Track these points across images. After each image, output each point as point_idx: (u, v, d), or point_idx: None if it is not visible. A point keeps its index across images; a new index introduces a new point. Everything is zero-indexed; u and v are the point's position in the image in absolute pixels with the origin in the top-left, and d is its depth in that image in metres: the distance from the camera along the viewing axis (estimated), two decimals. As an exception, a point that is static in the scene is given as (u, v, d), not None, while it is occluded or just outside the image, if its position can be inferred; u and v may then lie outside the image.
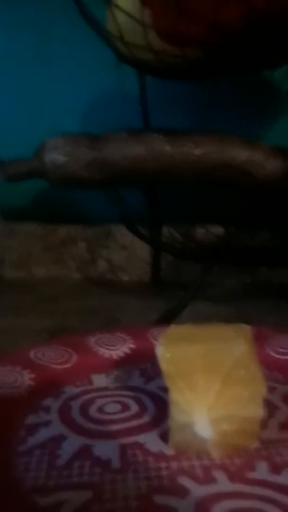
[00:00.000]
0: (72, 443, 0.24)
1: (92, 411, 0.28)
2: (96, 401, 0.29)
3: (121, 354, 0.35)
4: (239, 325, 0.26)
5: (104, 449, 0.24)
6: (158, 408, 0.28)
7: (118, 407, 0.28)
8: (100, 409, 0.28)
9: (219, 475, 0.22)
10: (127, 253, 0.67)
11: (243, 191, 0.48)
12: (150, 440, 0.25)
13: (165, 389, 0.30)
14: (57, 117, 0.66)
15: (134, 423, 0.26)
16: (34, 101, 0.67)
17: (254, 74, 0.59)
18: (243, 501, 0.20)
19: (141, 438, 0.25)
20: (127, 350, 0.36)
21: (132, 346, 0.36)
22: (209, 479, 0.21)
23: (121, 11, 0.40)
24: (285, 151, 0.47)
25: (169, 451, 0.24)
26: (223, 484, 0.21)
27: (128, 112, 0.61)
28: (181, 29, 0.37)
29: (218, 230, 0.56)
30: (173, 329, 0.26)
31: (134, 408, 0.28)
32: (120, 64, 0.47)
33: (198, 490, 0.21)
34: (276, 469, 0.22)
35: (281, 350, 0.34)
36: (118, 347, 0.36)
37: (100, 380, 0.32)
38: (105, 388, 0.31)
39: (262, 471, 0.22)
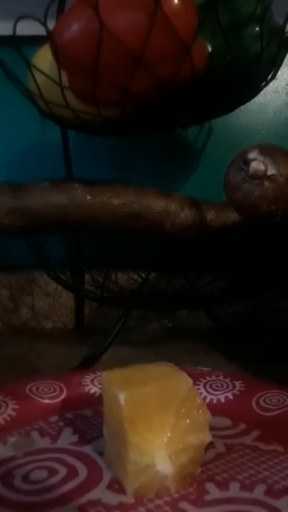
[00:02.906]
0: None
1: (17, 483, 0.25)
2: (14, 472, 0.26)
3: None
4: (164, 363, 0.28)
5: (65, 515, 0.22)
6: (85, 463, 0.27)
7: (44, 472, 0.26)
8: (26, 479, 0.25)
9: (185, 505, 0.23)
10: (51, 300, 0.67)
11: (159, 239, 0.50)
12: (103, 494, 0.24)
13: (78, 443, 0.29)
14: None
15: (75, 482, 0.25)
16: None
17: (170, 131, 0.64)
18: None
19: (93, 495, 0.24)
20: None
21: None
22: (181, 512, 0.22)
23: (39, 72, 0.42)
24: (196, 202, 0.51)
25: (128, 499, 0.23)
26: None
27: (52, 163, 0.63)
28: (96, 93, 0.40)
29: (137, 275, 0.59)
30: (109, 374, 0.26)
31: (62, 469, 0.26)
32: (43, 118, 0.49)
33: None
34: (222, 486, 0.24)
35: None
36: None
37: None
38: (13, 458, 0.27)
39: (214, 492, 0.24)
